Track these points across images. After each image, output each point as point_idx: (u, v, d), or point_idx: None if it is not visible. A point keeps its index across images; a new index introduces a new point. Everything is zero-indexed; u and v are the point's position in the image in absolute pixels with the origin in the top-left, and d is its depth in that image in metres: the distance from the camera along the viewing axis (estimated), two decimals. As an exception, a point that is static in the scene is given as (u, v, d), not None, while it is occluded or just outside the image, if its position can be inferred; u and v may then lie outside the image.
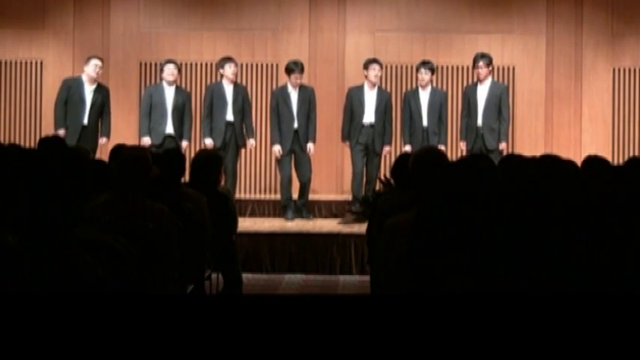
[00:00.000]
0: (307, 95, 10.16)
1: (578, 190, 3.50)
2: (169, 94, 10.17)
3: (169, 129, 10.11)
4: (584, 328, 2.69)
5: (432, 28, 11.72)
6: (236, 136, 10.14)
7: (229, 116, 10.13)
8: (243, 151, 10.55)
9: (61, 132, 9.90)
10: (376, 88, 10.21)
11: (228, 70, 10.16)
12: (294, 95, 10.13)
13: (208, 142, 10.04)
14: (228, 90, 10.18)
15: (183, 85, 11.63)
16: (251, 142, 10.24)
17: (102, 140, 10.13)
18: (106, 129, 10.17)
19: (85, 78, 10.12)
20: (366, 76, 10.20)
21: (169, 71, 10.17)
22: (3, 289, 3.02)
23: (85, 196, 4.60)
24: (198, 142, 11.06)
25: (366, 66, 10.22)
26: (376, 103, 10.12)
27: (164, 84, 10.20)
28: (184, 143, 10.12)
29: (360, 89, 10.22)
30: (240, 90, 10.29)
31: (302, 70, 10.14)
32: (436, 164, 4.28)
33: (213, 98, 10.17)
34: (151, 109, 10.13)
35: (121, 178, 4.73)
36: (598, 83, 11.74)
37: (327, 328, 2.65)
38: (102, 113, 10.17)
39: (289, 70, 10.13)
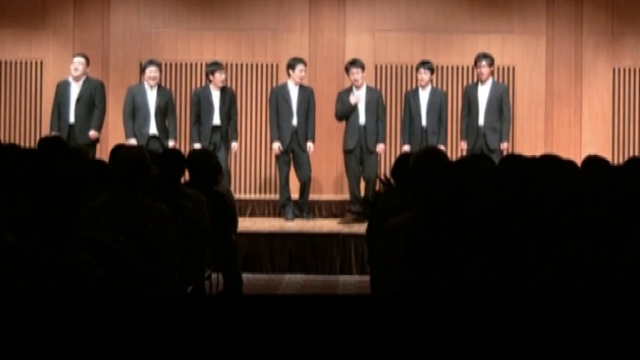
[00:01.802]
0: (307, 94, 10.16)
1: (579, 190, 3.50)
2: (152, 96, 10.10)
3: (153, 129, 10.07)
4: (584, 328, 2.69)
5: (432, 28, 11.72)
6: (223, 138, 10.13)
7: (216, 120, 10.12)
8: (238, 151, 10.52)
9: (53, 134, 9.85)
10: (364, 87, 10.19)
11: (218, 77, 10.13)
12: (294, 93, 10.13)
13: (197, 147, 10.01)
14: (215, 95, 10.16)
15: (184, 86, 11.64)
16: (234, 145, 10.22)
17: (90, 133, 9.96)
18: (95, 122, 10.02)
19: (71, 78, 10.12)
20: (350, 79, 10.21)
21: (151, 74, 10.07)
22: (3, 289, 3.02)
23: (85, 196, 4.60)
24: (188, 145, 11.13)
25: (346, 70, 10.23)
26: (365, 103, 10.10)
27: (145, 85, 10.14)
28: (171, 142, 10.08)
29: (348, 92, 10.20)
30: (227, 93, 10.26)
31: (304, 63, 10.14)
32: (437, 164, 4.28)
33: (201, 103, 10.16)
34: (134, 111, 10.10)
35: (120, 178, 4.73)
36: (598, 83, 11.74)
37: (327, 328, 2.65)
38: (92, 107, 10.07)
39: (291, 66, 10.13)
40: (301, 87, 10.18)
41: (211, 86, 10.17)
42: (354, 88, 10.13)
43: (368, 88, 10.25)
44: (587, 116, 11.74)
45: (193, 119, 10.18)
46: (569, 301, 2.80)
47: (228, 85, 10.88)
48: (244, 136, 11.52)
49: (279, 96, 10.16)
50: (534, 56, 11.74)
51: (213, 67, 10.21)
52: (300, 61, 10.16)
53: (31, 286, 3.04)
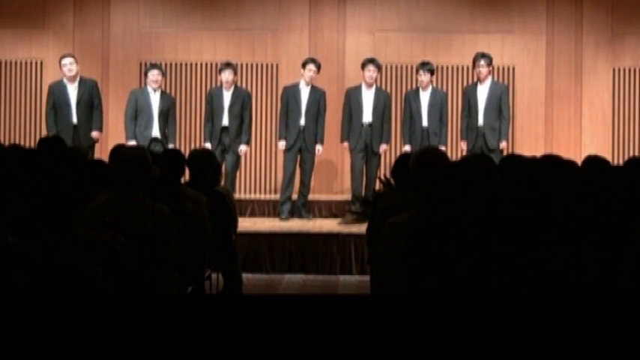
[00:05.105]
0: (318, 96, 10.16)
1: (579, 190, 3.50)
2: (155, 99, 10.11)
3: (155, 132, 10.07)
4: (583, 328, 2.69)
5: (432, 28, 11.72)
6: (232, 140, 10.11)
7: (225, 121, 10.13)
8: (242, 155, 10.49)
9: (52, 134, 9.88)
10: (374, 87, 10.21)
11: (224, 76, 10.17)
12: (304, 93, 10.13)
13: (207, 146, 10.03)
14: (226, 95, 10.18)
15: (184, 86, 11.65)
16: (241, 147, 10.20)
17: (93, 134, 10.06)
18: (96, 122, 10.09)
19: (65, 79, 10.11)
20: (363, 76, 10.23)
21: (153, 77, 10.10)
22: (3, 289, 3.02)
23: (85, 196, 4.60)
24: (193, 145, 11.13)
25: (362, 66, 10.24)
26: (374, 103, 10.13)
27: (149, 89, 10.15)
28: (170, 147, 10.09)
29: (357, 89, 10.23)
30: (239, 95, 10.24)
31: (315, 63, 10.11)
32: (437, 164, 4.28)
33: (213, 103, 10.18)
34: (136, 113, 10.10)
35: (121, 178, 4.73)
36: (598, 83, 11.74)
37: (327, 328, 2.65)
38: (92, 108, 10.11)
39: (303, 65, 10.14)
40: (313, 88, 10.18)
41: (223, 86, 10.20)
42: (363, 86, 10.17)
43: (377, 89, 10.27)
44: (587, 116, 11.74)
45: (206, 118, 10.23)
46: (569, 301, 2.80)
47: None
48: (244, 136, 11.52)
49: (289, 95, 10.18)
50: (534, 56, 11.74)
51: (221, 66, 10.27)
52: (312, 60, 10.16)
53: (31, 286, 3.04)
